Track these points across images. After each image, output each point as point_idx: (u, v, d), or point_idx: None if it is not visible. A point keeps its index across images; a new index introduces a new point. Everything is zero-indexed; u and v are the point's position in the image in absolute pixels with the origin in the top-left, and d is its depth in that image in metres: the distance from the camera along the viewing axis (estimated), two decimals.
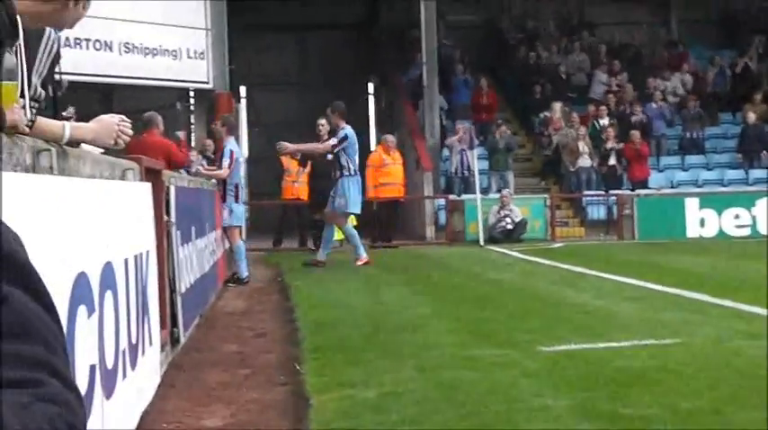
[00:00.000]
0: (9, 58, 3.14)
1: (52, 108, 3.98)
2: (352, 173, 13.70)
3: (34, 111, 3.58)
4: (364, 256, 13.69)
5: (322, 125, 15.48)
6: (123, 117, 4.24)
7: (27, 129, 3.41)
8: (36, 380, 0.73)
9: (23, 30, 3.57)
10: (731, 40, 27.61)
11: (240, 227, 12.58)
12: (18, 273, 0.79)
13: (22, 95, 3.48)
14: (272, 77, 29.60)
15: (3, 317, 0.75)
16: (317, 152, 14.84)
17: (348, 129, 13.67)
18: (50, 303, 0.81)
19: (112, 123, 4.14)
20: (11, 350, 0.73)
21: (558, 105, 23.18)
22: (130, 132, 4.22)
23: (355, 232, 13.96)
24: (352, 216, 14.63)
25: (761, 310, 7.70)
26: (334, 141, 13.67)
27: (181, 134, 12.58)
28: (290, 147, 13.59)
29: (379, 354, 6.18)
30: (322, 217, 14.96)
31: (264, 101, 29.66)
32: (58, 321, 0.82)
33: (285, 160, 18.97)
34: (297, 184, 18.78)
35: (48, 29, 3.62)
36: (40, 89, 3.62)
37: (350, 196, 13.61)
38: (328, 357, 6.11)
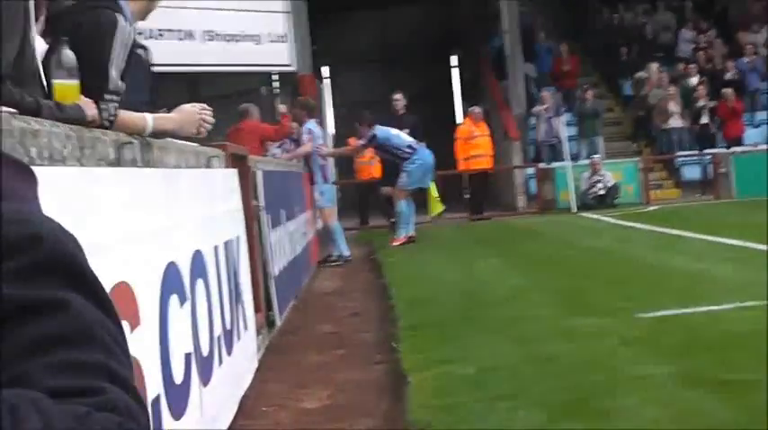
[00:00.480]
0: (67, 55, 3.15)
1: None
2: (407, 155, 13.62)
3: (117, 104, 3.59)
4: (402, 237, 13.61)
5: (397, 100, 15.45)
6: (204, 105, 4.24)
7: (107, 124, 3.43)
8: (96, 388, 0.69)
9: (97, 24, 3.59)
10: None
11: (333, 207, 12.62)
12: (78, 277, 0.76)
13: (102, 89, 3.49)
14: (355, 56, 29.61)
15: (64, 324, 0.72)
16: (349, 154, 15.05)
17: (377, 130, 13.60)
18: (111, 307, 0.78)
19: (194, 112, 4.15)
20: (71, 358, 0.70)
21: (654, 65, 22.74)
22: (212, 120, 4.22)
23: (406, 211, 13.82)
24: (434, 191, 14.55)
25: None
26: (363, 142, 13.71)
27: (282, 107, 12.75)
28: (325, 151, 13.63)
29: (475, 330, 6.12)
30: (388, 193, 14.99)
31: (348, 80, 29.70)
32: (119, 324, 0.79)
33: (353, 140, 19.16)
34: (372, 164, 18.91)
35: (120, 19, 3.63)
36: (119, 82, 3.63)
37: (412, 174, 13.58)
38: (424, 334, 6.07)
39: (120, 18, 3.64)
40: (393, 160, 13.90)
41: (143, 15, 4.03)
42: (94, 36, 3.55)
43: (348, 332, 6.79)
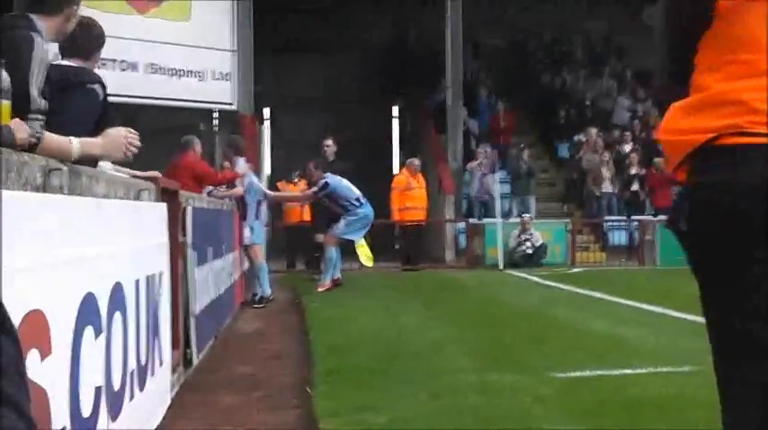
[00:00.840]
0: (4, 77, 3.16)
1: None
2: (352, 208, 13.79)
3: (41, 123, 3.59)
4: (328, 283, 13.72)
5: (328, 145, 15.56)
6: (130, 129, 4.26)
7: (34, 141, 3.41)
8: None
9: (14, 44, 3.59)
10: None
11: (261, 245, 12.63)
12: None
13: (26, 109, 3.49)
14: (298, 98, 29.71)
15: None
16: (300, 201, 15.72)
17: (329, 178, 13.80)
18: (10, 327, 0.81)
19: (120, 137, 4.17)
20: None
21: (593, 130, 23.16)
22: (138, 144, 4.24)
23: (334, 257, 13.94)
24: (362, 242, 14.64)
25: None
26: (314, 190, 13.93)
27: (226, 164, 12.81)
28: (276, 196, 13.78)
29: (392, 379, 6.16)
30: (320, 239, 15.08)
31: (288, 123, 29.76)
32: (17, 345, 0.82)
33: (282, 184, 19.34)
34: (300, 206, 19.04)
35: (36, 38, 3.65)
36: (40, 100, 3.63)
37: (351, 224, 13.72)
38: (341, 381, 6.09)
39: (36, 37, 3.65)
40: (335, 210, 13.98)
41: (58, 35, 4.05)
42: (13, 56, 3.55)
43: (266, 374, 6.78)
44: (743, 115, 2.34)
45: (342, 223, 13.71)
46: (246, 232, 12.06)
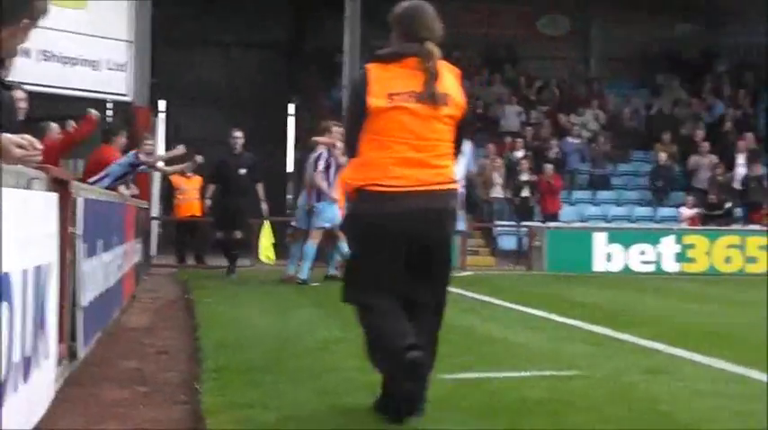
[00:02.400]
0: None
1: None
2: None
3: None
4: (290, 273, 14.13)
5: (236, 137, 15.48)
6: (34, 141, 4.22)
7: None
8: None
9: None
10: (648, 80, 28.26)
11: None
12: None
13: None
14: (194, 93, 29.43)
15: None
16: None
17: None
18: None
19: (11, 147, 4.11)
20: None
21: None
22: (38, 159, 4.20)
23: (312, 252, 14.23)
24: (270, 238, 14.81)
25: (660, 346, 7.88)
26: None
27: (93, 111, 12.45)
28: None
29: (281, 376, 6.18)
30: (226, 235, 15.01)
31: (184, 116, 29.46)
32: None
33: (175, 178, 19.10)
34: (193, 201, 18.94)
35: None
36: None
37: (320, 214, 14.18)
38: (229, 377, 6.08)
39: None
40: (243, 193, 14.12)
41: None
42: None
43: (153, 370, 6.72)
44: (378, 173, 4.66)
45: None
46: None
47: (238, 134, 15.47)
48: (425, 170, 4.69)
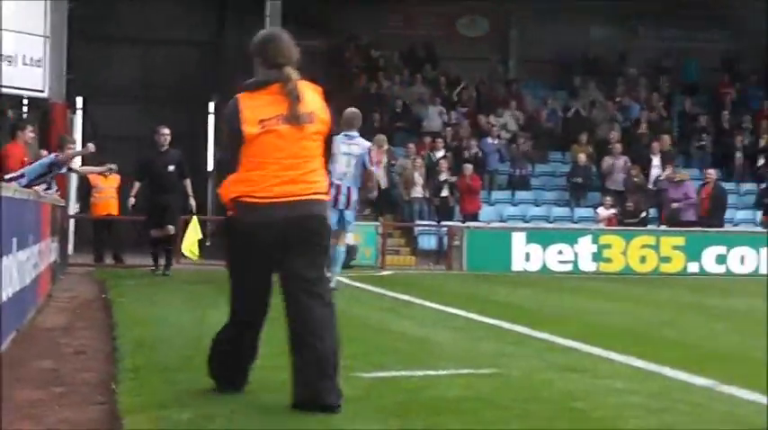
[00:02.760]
0: None
1: None
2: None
3: None
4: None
5: (164, 134, 15.32)
6: None
7: None
8: None
9: None
10: (565, 82, 28.65)
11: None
12: None
13: None
14: (113, 90, 29.06)
15: None
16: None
17: None
18: None
19: None
20: None
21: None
22: None
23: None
24: (197, 234, 14.64)
25: (576, 344, 8.01)
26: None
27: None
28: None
29: (198, 375, 6.14)
30: (159, 233, 14.87)
31: (102, 113, 29.07)
32: None
33: (92, 176, 18.92)
34: (109, 199, 18.78)
35: None
36: None
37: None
38: (146, 377, 6.04)
39: None
40: (172, 190, 13.95)
41: None
42: None
43: (69, 370, 6.64)
44: (251, 188, 5.30)
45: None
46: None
47: (166, 131, 15.34)
48: (295, 185, 5.32)
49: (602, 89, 27.78)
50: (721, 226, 22.72)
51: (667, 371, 6.68)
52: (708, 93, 28.97)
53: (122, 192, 19.74)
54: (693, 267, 20.54)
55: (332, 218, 13.20)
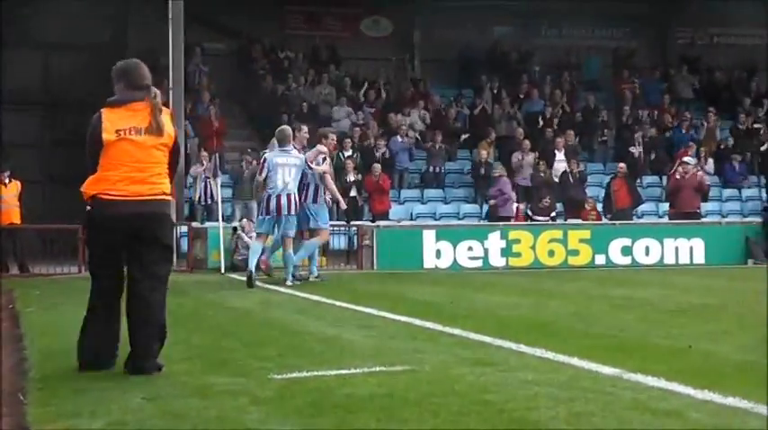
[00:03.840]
0: None
1: None
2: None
3: None
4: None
5: None
6: None
7: None
8: None
9: None
10: (470, 80, 28.92)
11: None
12: None
13: None
14: (13, 94, 28.45)
15: None
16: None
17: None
18: None
19: None
20: None
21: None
22: None
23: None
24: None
25: (487, 338, 8.12)
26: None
27: None
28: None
29: (109, 383, 6.10)
30: None
31: (7, 120, 28.44)
32: None
33: None
34: (11, 208, 18.50)
35: None
36: None
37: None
38: (55, 387, 5.97)
39: None
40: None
41: None
42: None
43: None
44: (107, 186, 6.55)
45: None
46: None
47: None
48: (143, 185, 6.57)
49: (505, 87, 28.11)
50: (630, 218, 23.31)
51: (576, 361, 6.82)
52: (609, 89, 29.60)
53: (24, 199, 19.44)
54: (600, 259, 20.88)
55: (289, 227, 14.86)
